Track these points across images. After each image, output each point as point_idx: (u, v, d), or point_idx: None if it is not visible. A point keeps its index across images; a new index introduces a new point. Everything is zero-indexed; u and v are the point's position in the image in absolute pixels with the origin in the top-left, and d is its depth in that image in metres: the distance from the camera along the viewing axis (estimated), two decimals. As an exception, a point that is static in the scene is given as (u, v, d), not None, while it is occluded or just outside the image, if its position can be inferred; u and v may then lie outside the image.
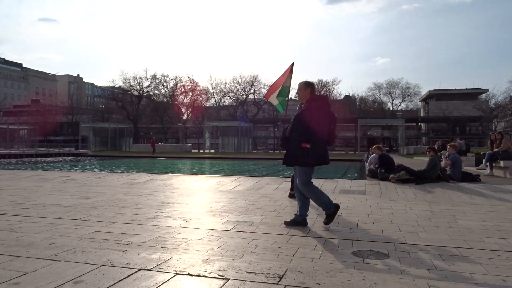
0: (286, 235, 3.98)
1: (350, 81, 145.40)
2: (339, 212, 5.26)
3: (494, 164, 10.98)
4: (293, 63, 7.26)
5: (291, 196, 6.55)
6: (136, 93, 64.08)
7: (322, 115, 4.22)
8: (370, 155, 10.89)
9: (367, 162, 11.24)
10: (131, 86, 63.31)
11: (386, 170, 9.02)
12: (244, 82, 64.37)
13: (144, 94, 64.54)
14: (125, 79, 62.88)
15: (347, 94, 78.75)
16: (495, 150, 11.00)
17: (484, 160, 11.55)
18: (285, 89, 7.54)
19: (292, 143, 4.30)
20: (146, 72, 66.76)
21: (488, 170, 10.95)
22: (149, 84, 63.94)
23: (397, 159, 19.87)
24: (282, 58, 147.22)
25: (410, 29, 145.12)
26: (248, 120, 52.51)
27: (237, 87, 64.74)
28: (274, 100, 7.49)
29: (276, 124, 62.56)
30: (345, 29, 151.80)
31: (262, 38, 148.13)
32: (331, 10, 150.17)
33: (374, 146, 10.37)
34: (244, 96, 64.99)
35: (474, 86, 76.49)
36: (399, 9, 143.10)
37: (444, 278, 2.71)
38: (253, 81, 64.24)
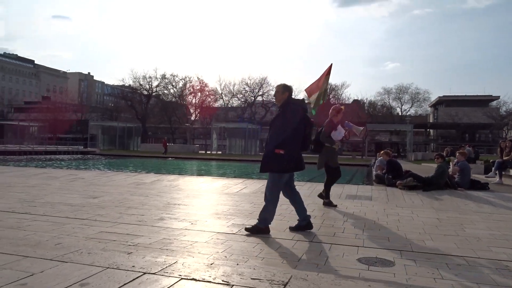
0: (291, 240, 3.97)
1: (360, 85, 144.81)
2: (345, 218, 5.26)
3: (503, 173, 10.85)
4: (331, 64, 7.30)
5: (325, 204, 6.37)
6: (146, 92, 64.46)
7: (296, 120, 4.18)
8: (377, 160, 10.84)
9: (373, 167, 11.16)
10: (141, 85, 63.73)
11: (393, 176, 8.96)
12: (253, 83, 64.45)
13: (153, 94, 64.91)
14: (135, 78, 63.32)
15: (356, 98, 78.44)
16: (505, 158, 10.88)
17: (493, 168, 11.42)
18: (324, 92, 7.69)
19: (266, 149, 4.26)
20: (156, 72, 67.17)
21: (497, 179, 10.81)
22: (159, 84, 64.32)
23: (405, 165, 19.74)
24: (292, 60, 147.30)
25: (421, 34, 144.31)
26: (256, 122, 52.53)
27: (246, 89, 64.85)
28: (313, 100, 7.58)
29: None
30: (356, 33, 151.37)
31: (272, 39, 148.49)
32: (343, 14, 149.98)
33: (382, 151, 10.33)
34: (253, 98, 65.06)
35: (485, 93, 75.58)
36: (411, 13, 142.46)
37: (451, 289, 2.68)
38: (262, 83, 64.29)
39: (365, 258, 3.38)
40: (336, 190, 8.02)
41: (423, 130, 73.27)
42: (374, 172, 10.25)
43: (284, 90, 4.34)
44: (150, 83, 63.77)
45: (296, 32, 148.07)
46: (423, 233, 4.46)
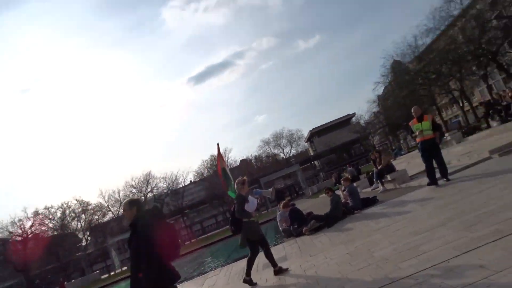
0: None
1: (241, 145, 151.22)
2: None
3: (383, 180, 12.01)
4: (218, 144, 7.66)
5: (245, 281, 6.06)
6: (20, 238, 56.11)
7: (151, 234, 3.63)
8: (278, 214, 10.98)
9: (278, 221, 11.22)
10: (11, 232, 55.44)
11: (299, 225, 9.09)
12: (138, 183, 61.88)
13: (30, 236, 56.84)
14: (1, 228, 54.96)
15: (242, 158, 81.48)
16: (379, 167, 12.11)
17: (374, 179, 12.58)
18: (225, 172, 7.62)
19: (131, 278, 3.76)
20: (25, 211, 59.65)
21: (381, 187, 11.90)
22: (33, 223, 56.82)
23: (306, 203, 20.62)
24: (168, 146, 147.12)
25: (274, 83, 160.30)
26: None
27: (133, 191, 61.72)
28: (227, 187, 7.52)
29: (183, 213, 60.68)
30: (218, 101, 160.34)
31: (141, 134, 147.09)
32: (200, 89, 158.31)
33: (281, 204, 10.47)
34: (143, 197, 62.09)
35: (343, 114, 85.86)
36: (259, 69, 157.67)
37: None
38: (147, 179, 62.22)
39: None
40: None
41: (309, 164, 79.04)
42: (280, 228, 10.30)
43: (131, 206, 3.92)
44: (22, 226, 56.02)
45: (163, 120, 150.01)
46: (341, 277, 4.43)
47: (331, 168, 65.27)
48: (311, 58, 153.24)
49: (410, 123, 8.76)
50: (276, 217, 20.88)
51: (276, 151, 79.06)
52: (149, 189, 62.18)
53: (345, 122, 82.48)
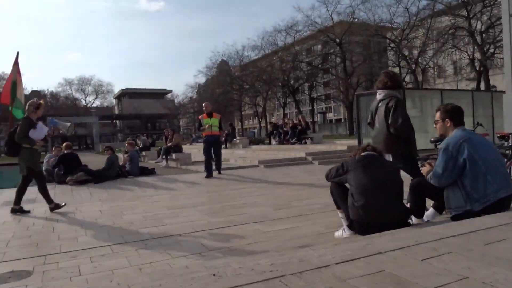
0: None
1: (37, 74, 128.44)
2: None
3: (169, 157, 12.50)
4: (18, 52, 6.44)
5: (14, 210, 5.47)
6: None
7: None
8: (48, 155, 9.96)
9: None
10: None
11: (65, 172, 8.48)
12: None
13: None
14: None
15: (34, 89, 69.89)
16: (169, 144, 12.55)
17: (160, 154, 12.97)
18: (15, 85, 6.34)
19: None
20: None
21: (164, 163, 12.35)
22: None
23: (91, 157, 19.40)
24: None
25: (102, 27, 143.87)
26: None
27: None
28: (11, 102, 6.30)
29: None
30: (34, 18, 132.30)
31: None
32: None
33: (64, 145, 9.42)
34: None
35: (161, 87, 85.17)
36: (88, 5, 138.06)
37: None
38: None
39: (-4, 275, 2.92)
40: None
41: (110, 121, 74.63)
42: (43, 167, 9.35)
43: None
44: None
45: None
46: (79, 230, 4.37)
47: (132, 132, 63.42)
48: (147, 20, 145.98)
49: (200, 117, 9.07)
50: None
51: (78, 95, 71.42)
52: None
53: (160, 95, 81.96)
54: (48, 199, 5.59)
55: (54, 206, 5.56)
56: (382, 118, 4.06)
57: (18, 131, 5.35)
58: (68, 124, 6.48)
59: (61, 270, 2.99)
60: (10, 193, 7.34)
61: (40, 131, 5.49)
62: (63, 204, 5.69)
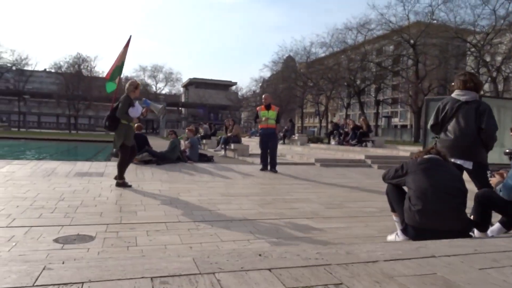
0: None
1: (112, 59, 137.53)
2: (62, 197, 4.90)
3: (227, 147, 12.80)
4: (130, 36, 6.91)
5: (119, 185, 5.91)
6: None
7: None
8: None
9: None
10: None
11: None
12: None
13: None
14: None
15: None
16: (228, 134, 12.83)
17: (220, 143, 13.31)
18: (120, 67, 6.99)
19: None
20: None
21: (222, 152, 12.67)
22: None
23: (156, 141, 20.49)
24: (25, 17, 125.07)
25: (180, 17, 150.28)
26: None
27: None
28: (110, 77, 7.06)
29: (22, 97, 53.32)
30: (116, 12, 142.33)
31: None
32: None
33: (135, 125, 10.07)
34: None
35: (226, 79, 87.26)
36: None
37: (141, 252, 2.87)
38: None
39: (65, 237, 3.21)
40: (65, 168, 7.44)
41: (176, 108, 77.97)
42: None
43: None
44: None
45: None
46: (140, 205, 4.66)
47: (195, 121, 65.80)
48: (221, 13, 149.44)
49: (258, 108, 8.87)
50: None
51: (149, 81, 75.47)
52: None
53: (225, 86, 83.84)
54: (121, 175, 5.96)
55: (122, 183, 5.93)
56: (473, 121, 3.66)
57: (120, 107, 5.78)
58: (160, 106, 6.78)
59: (120, 239, 3.22)
60: (82, 165, 8.03)
61: (136, 110, 5.94)
62: (130, 185, 5.99)
